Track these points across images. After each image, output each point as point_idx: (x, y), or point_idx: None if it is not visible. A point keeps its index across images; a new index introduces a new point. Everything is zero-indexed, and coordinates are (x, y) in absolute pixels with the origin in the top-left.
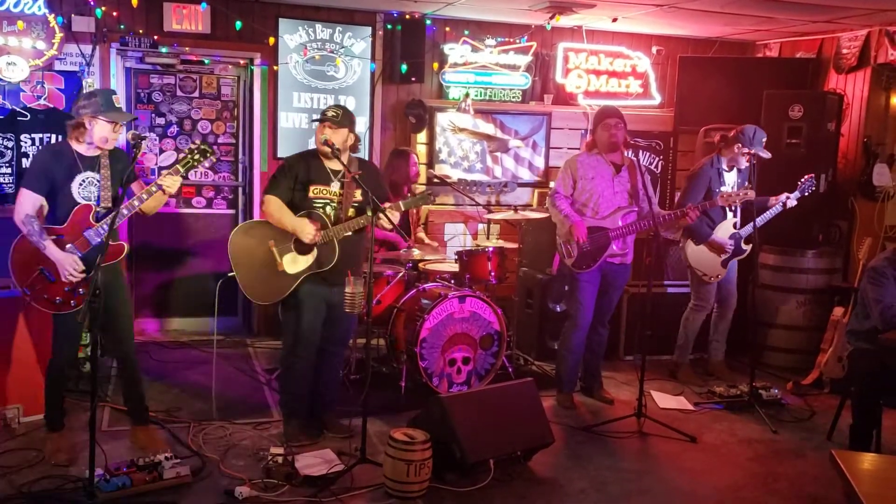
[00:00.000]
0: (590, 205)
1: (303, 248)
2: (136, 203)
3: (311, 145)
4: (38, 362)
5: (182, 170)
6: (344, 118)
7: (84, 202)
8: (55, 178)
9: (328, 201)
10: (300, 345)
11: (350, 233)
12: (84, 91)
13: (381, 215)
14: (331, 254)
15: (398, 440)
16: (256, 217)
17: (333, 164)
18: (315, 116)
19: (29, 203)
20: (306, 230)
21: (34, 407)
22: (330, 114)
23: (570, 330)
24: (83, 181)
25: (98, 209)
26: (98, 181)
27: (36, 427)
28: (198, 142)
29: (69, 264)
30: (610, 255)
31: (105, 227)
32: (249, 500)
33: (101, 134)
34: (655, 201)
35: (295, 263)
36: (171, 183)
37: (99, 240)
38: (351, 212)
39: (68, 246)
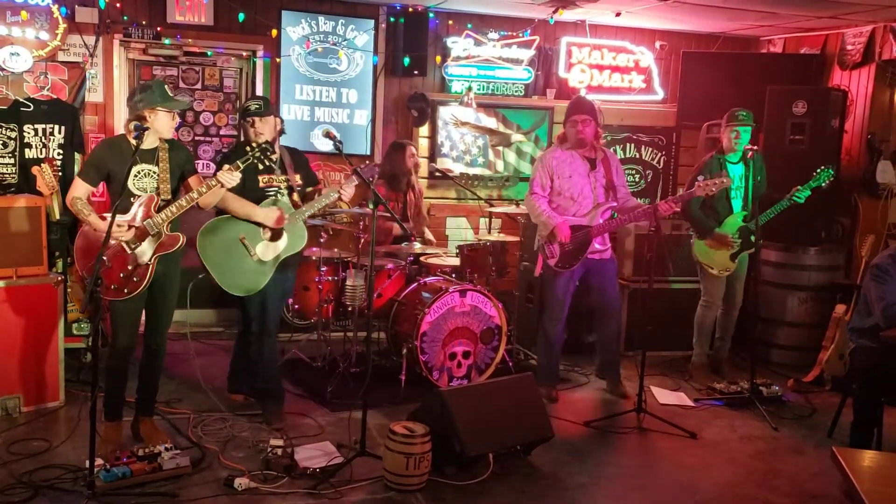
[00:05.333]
0: (570, 203)
1: (274, 235)
2: (194, 196)
3: (315, 137)
4: (37, 352)
5: (242, 165)
6: (267, 106)
7: (139, 193)
8: (111, 170)
9: (277, 188)
10: (269, 331)
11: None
12: (139, 84)
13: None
14: (300, 234)
15: (398, 433)
16: None
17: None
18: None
19: (81, 190)
20: (272, 216)
21: (34, 397)
22: (253, 107)
23: (549, 325)
24: (138, 173)
25: (159, 201)
26: (156, 173)
27: (36, 417)
28: (259, 140)
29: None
30: (590, 252)
31: (163, 217)
32: (249, 491)
33: (163, 124)
34: (629, 194)
35: (268, 250)
36: (229, 178)
37: (157, 230)
38: (296, 196)
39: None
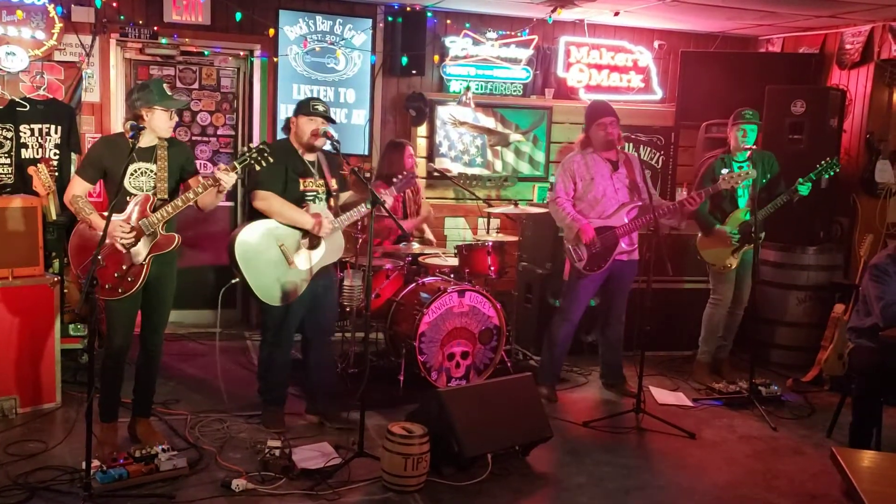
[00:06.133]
0: (594, 205)
1: (313, 243)
2: (190, 196)
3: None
4: (33, 353)
5: (238, 166)
6: (330, 112)
7: (135, 191)
8: (108, 167)
9: (315, 193)
10: (283, 336)
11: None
12: (136, 83)
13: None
14: (339, 243)
15: (396, 434)
16: None
17: (309, 157)
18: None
19: (79, 188)
20: (325, 224)
21: (30, 398)
22: (321, 108)
23: (559, 324)
24: (135, 171)
25: (155, 200)
26: (153, 172)
27: (33, 418)
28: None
29: (114, 229)
30: (618, 253)
31: (158, 217)
32: (246, 492)
33: (160, 123)
34: (655, 192)
35: (306, 259)
36: (226, 179)
37: (152, 229)
38: (332, 202)
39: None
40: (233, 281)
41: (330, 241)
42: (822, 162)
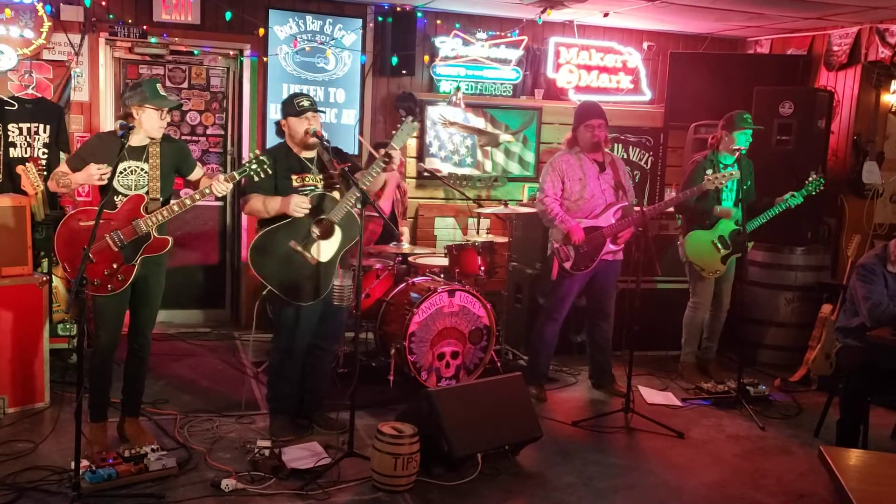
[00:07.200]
0: (581, 205)
1: (325, 233)
2: (186, 202)
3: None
4: (22, 353)
5: (238, 177)
6: (315, 103)
7: (124, 190)
8: (97, 163)
9: (313, 188)
10: (294, 343)
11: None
12: (131, 82)
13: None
14: (353, 225)
15: (386, 434)
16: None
17: (306, 154)
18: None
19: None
20: (296, 200)
21: (20, 397)
22: (307, 103)
23: (545, 323)
24: (124, 170)
25: (148, 200)
26: (146, 171)
27: (21, 418)
28: (257, 151)
29: (93, 170)
30: (605, 253)
31: (153, 219)
32: (236, 492)
33: (151, 123)
34: (633, 195)
35: (325, 249)
36: (221, 188)
37: (145, 230)
38: (336, 194)
39: (113, 233)
40: (263, 293)
41: (343, 224)
42: (811, 178)
